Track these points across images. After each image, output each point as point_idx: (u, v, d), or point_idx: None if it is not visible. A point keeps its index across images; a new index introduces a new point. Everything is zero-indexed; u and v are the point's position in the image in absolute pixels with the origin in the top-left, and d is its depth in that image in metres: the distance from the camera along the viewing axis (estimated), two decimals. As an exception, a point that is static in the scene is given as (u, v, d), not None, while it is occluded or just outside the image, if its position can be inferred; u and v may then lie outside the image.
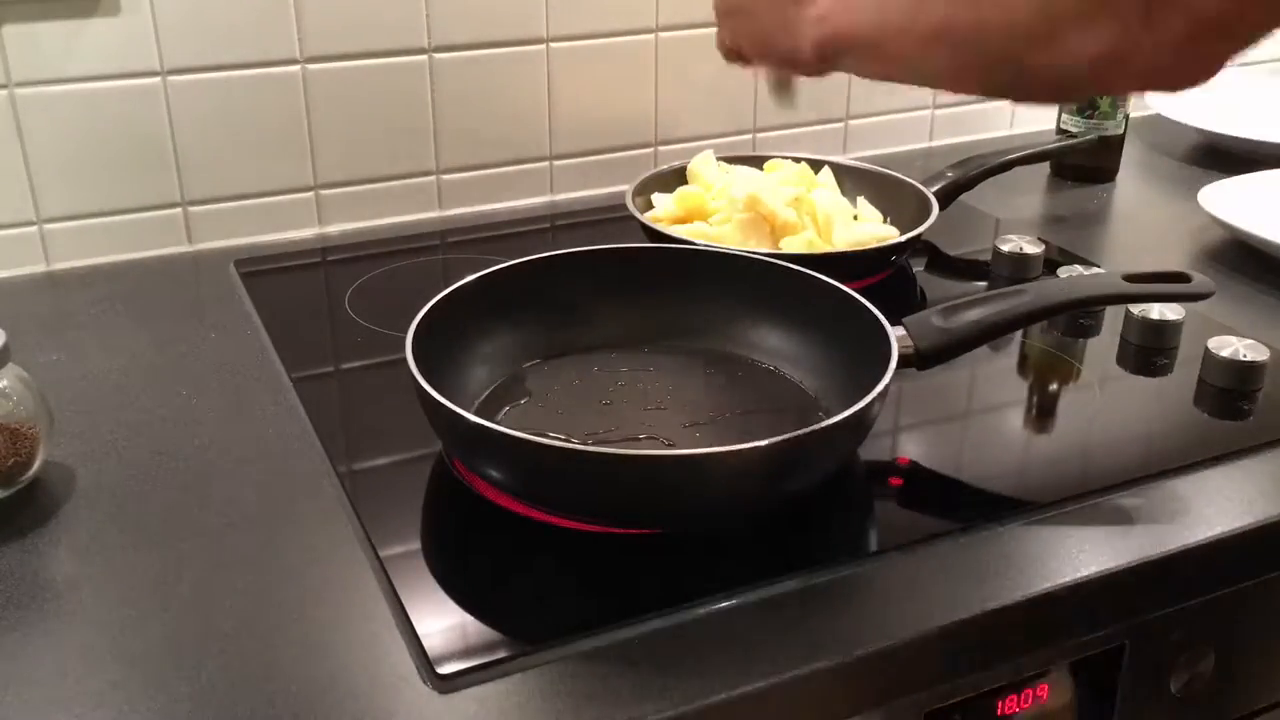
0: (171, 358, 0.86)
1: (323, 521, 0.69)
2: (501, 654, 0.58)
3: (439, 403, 0.65)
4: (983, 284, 1.01)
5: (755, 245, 0.95)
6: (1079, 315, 0.93)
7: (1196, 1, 0.50)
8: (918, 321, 0.74)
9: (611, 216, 1.11)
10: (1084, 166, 1.24)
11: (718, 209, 1.01)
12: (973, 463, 0.77)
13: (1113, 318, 0.92)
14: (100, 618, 0.61)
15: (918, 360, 0.73)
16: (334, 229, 1.11)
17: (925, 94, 1.34)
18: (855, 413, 0.65)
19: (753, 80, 1.23)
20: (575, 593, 0.64)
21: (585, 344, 0.84)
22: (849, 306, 0.77)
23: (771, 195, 0.98)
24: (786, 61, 0.71)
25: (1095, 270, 0.98)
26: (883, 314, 0.75)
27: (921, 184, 1.05)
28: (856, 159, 1.14)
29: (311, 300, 1.00)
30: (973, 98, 1.37)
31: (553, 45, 1.13)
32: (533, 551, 0.66)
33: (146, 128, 1.01)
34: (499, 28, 1.11)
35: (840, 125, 1.31)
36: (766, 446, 0.63)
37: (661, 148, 1.22)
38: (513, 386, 0.80)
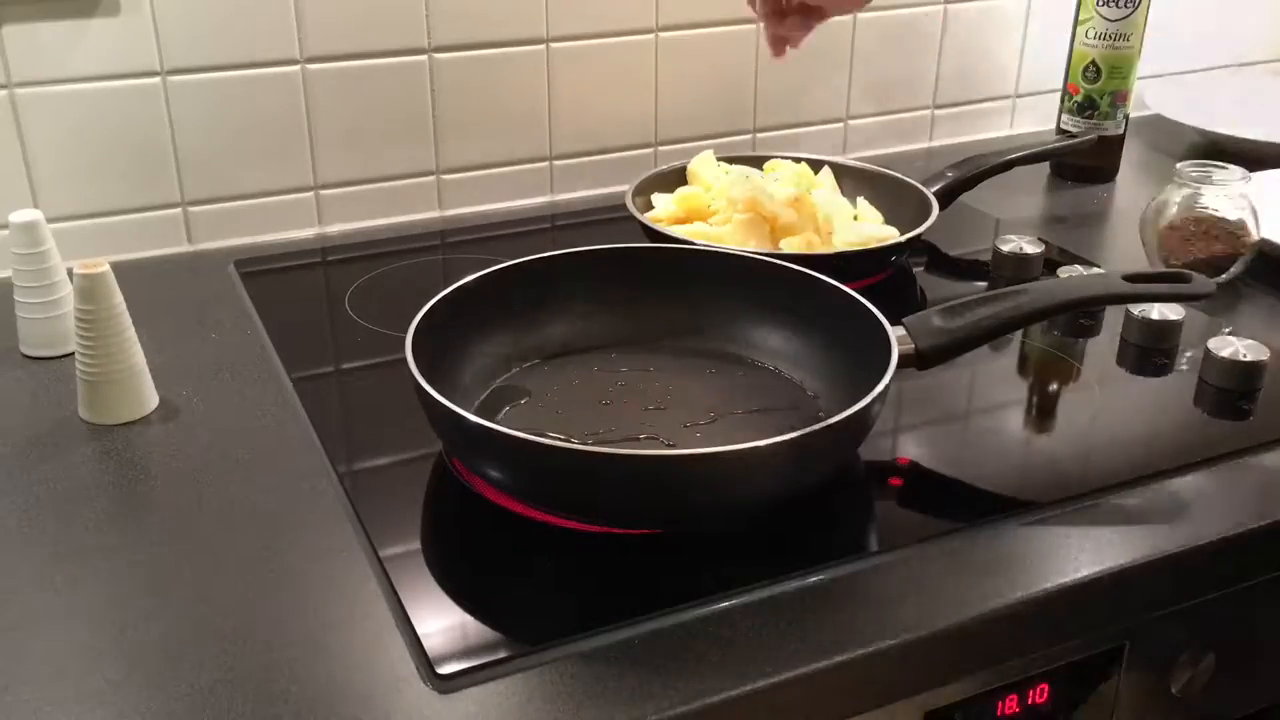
0: (171, 358, 0.86)
1: (323, 521, 0.69)
2: (501, 654, 0.58)
3: (439, 403, 0.66)
4: (983, 284, 1.01)
5: (755, 245, 0.95)
6: (1079, 315, 0.93)
7: None
8: (918, 321, 0.74)
9: (611, 216, 1.11)
10: (1084, 166, 1.24)
11: (718, 209, 1.01)
12: (973, 463, 0.77)
13: (1113, 318, 0.92)
14: (99, 617, 0.61)
15: (918, 360, 0.73)
16: (334, 229, 1.11)
17: (926, 95, 1.34)
18: (855, 413, 0.65)
19: (752, 81, 1.23)
20: (575, 593, 0.64)
21: (585, 344, 0.84)
22: (849, 307, 0.77)
23: (771, 196, 0.98)
24: None
25: (1095, 270, 0.98)
26: (883, 314, 0.75)
27: (921, 184, 1.05)
28: (856, 159, 1.14)
29: (311, 300, 1.00)
30: (972, 97, 1.37)
31: (553, 45, 1.13)
32: (533, 551, 0.66)
33: (146, 128, 1.01)
34: (499, 28, 1.11)
35: (840, 125, 1.31)
36: (766, 447, 0.63)
37: (661, 148, 1.22)
38: (513, 386, 0.80)
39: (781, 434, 0.63)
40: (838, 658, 0.59)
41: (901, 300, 0.99)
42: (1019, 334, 0.92)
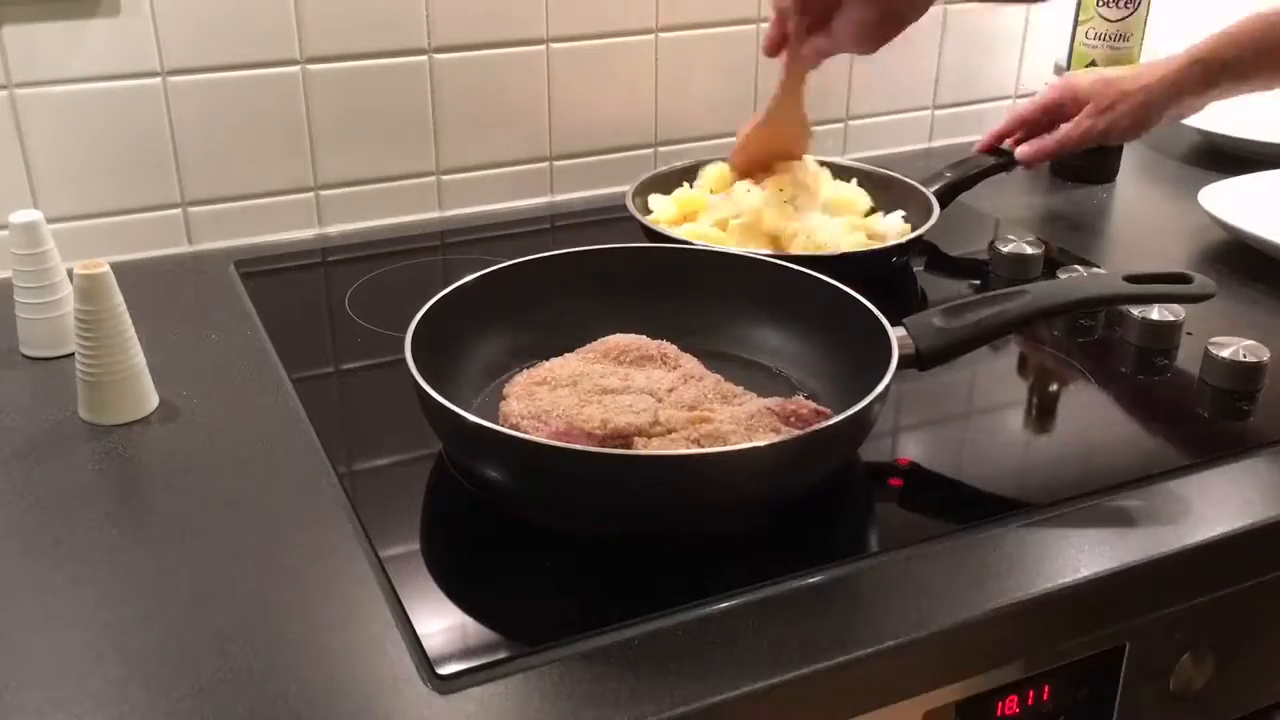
0: (171, 358, 0.86)
1: (323, 521, 0.69)
2: (501, 655, 0.58)
3: (439, 403, 0.65)
4: (983, 284, 1.01)
5: (755, 246, 0.95)
6: (1079, 315, 0.93)
7: None
8: (918, 322, 0.74)
9: (612, 217, 1.11)
10: (1084, 166, 1.24)
11: (716, 210, 1.01)
12: (973, 463, 0.77)
13: (1112, 317, 0.92)
14: (100, 618, 0.61)
15: (918, 361, 0.73)
16: (334, 229, 1.11)
17: (925, 95, 1.34)
18: (855, 414, 0.65)
19: (752, 81, 1.23)
20: (575, 593, 0.64)
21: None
22: (850, 307, 0.77)
23: (774, 214, 0.97)
24: None
25: (1096, 271, 0.98)
26: (883, 314, 0.75)
27: (920, 184, 1.05)
28: (856, 159, 1.14)
29: (311, 300, 1.00)
30: (972, 97, 1.37)
31: (553, 45, 1.13)
32: (533, 552, 0.66)
33: (146, 128, 1.01)
34: (499, 28, 1.11)
35: (840, 125, 1.31)
36: (767, 448, 0.63)
37: (661, 148, 1.22)
38: (513, 387, 0.80)
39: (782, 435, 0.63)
40: (838, 658, 0.59)
41: (902, 300, 0.99)
42: (1019, 334, 0.92)
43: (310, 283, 1.03)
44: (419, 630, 0.59)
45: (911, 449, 0.78)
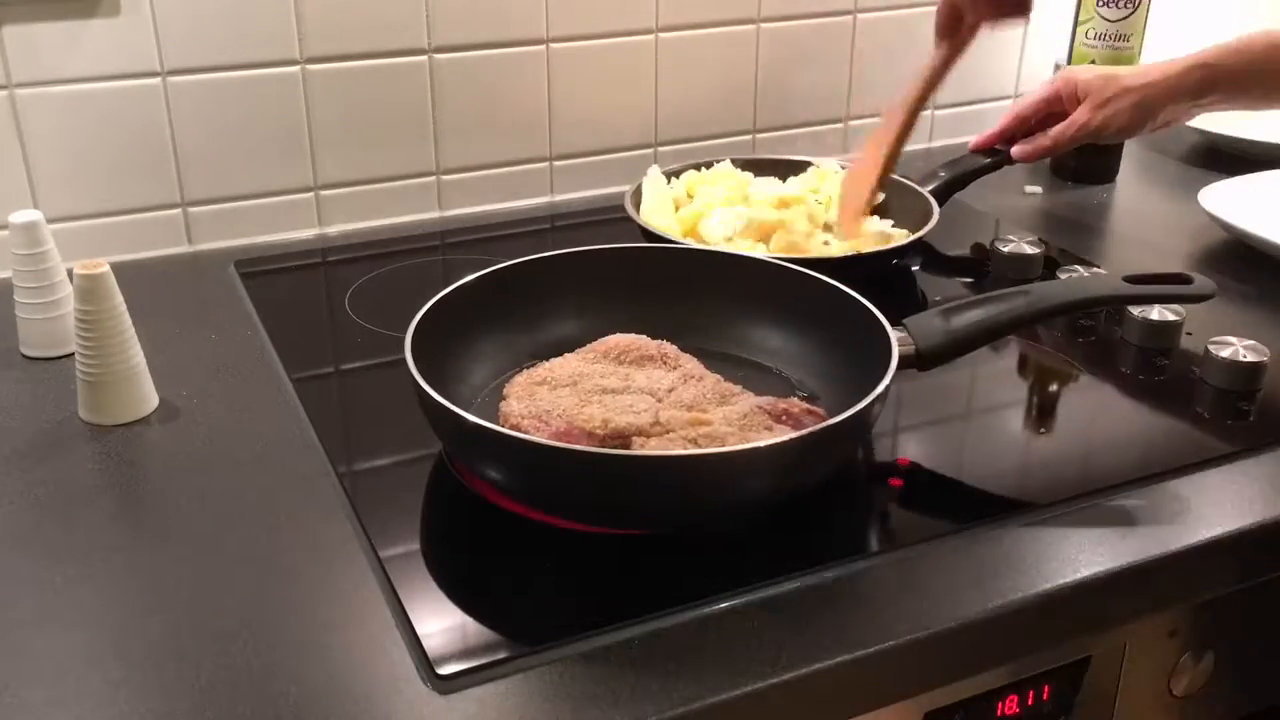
0: (171, 358, 0.86)
1: (323, 521, 0.69)
2: (502, 655, 0.58)
3: (438, 403, 0.65)
4: (983, 284, 1.01)
5: (751, 247, 0.95)
6: (1079, 316, 0.93)
7: None
8: (918, 323, 0.74)
9: (611, 217, 1.11)
10: (1084, 167, 1.24)
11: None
12: (973, 463, 0.77)
13: (1113, 318, 0.92)
14: (100, 618, 0.61)
15: (918, 361, 0.73)
16: (334, 229, 1.11)
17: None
18: (856, 414, 0.65)
19: (752, 81, 1.23)
20: (575, 593, 0.64)
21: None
22: (850, 307, 0.77)
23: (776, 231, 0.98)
24: None
25: (1096, 271, 0.98)
26: (883, 314, 0.75)
27: (917, 184, 1.05)
28: (856, 159, 1.14)
29: (311, 300, 1.00)
30: (972, 97, 1.37)
31: (553, 45, 1.13)
32: (533, 552, 0.66)
33: (146, 128, 1.01)
34: (499, 28, 1.11)
35: (840, 126, 1.31)
36: (767, 448, 0.63)
37: (661, 148, 1.22)
38: (513, 387, 0.80)
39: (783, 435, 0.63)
40: (838, 658, 0.59)
41: (902, 300, 0.99)
42: (1019, 334, 0.92)
43: (310, 283, 1.03)
44: (419, 630, 0.59)
45: (911, 449, 0.78)
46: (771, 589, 0.63)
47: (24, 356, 0.87)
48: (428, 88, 1.10)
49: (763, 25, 1.21)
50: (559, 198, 1.20)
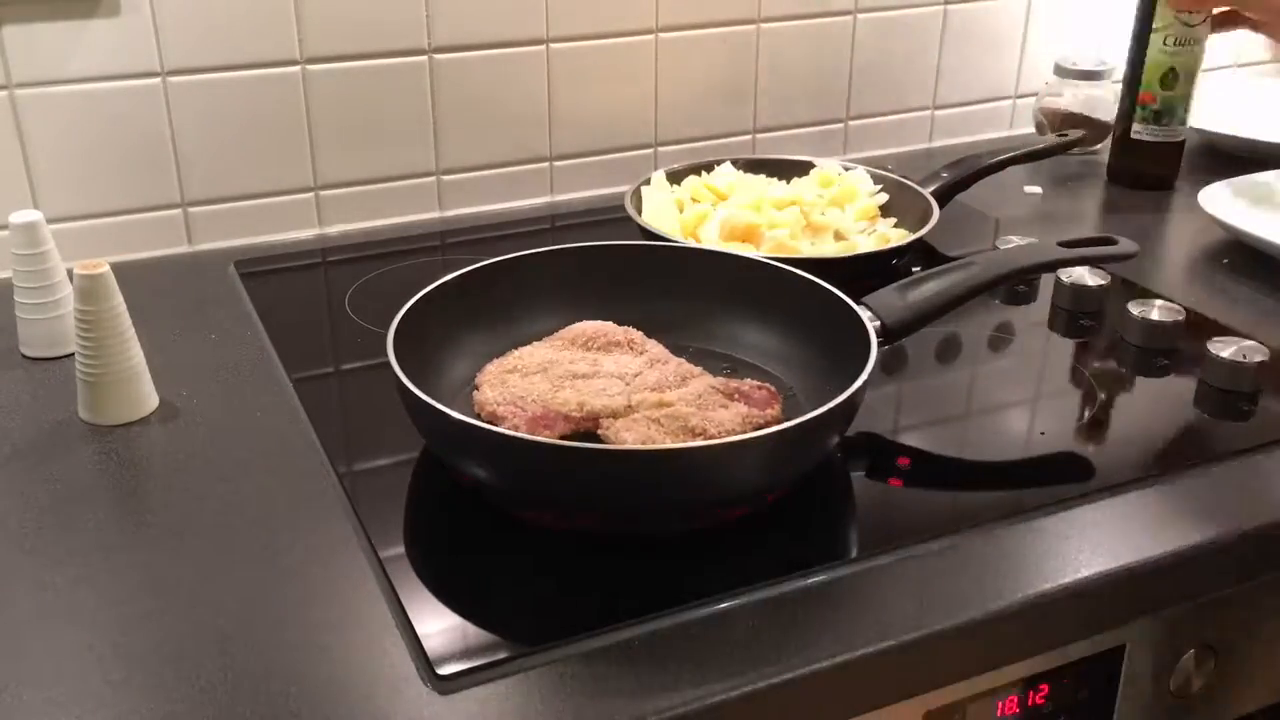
0: (171, 358, 0.86)
1: (323, 521, 0.69)
2: (501, 655, 0.58)
3: (421, 400, 0.65)
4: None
5: (738, 245, 0.96)
6: (1081, 316, 0.93)
7: None
8: (879, 299, 0.77)
9: (611, 217, 1.11)
10: (1146, 173, 1.22)
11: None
12: (973, 463, 0.77)
13: (1112, 318, 0.92)
14: (100, 618, 0.61)
15: (885, 334, 0.75)
16: (334, 229, 1.11)
17: (925, 96, 1.34)
18: (843, 401, 0.66)
19: (752, 81, 1.23)
20: (575, 593, 0.64)
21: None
22: (817, 294, 0.79)
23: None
24: None
25: (1031, 241, 0.97)
26: (850, 296, 0.77)
27: (918, 185, 1.05)
28: (856, 159, 1.14)
29: (311, 300, 1.00)
30: (972, 97, 1.37)
31: (553, 45, 1.13)
32: (533, 552, 0.66)
33: (146, 128, 1.01)
34: (499, 28, 1.11)
35: (840, 126, 1.31)
36: (760, 438, 0.63)
37: (661, 148, 1.22)
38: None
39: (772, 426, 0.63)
40: (838, 658, 0.59)
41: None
42: (1020, 334, 0.92)
43: (310, 283, 1.03)
44: (419, 630, 0.59)
45: (911, 448, 0.78)
46: (771, 589, 0.63)
47: (24, 356, 0.87)
48: (428, 88, 1.10)
49: (763, 25, 1.21)
50: (559, 198, 1.20)
